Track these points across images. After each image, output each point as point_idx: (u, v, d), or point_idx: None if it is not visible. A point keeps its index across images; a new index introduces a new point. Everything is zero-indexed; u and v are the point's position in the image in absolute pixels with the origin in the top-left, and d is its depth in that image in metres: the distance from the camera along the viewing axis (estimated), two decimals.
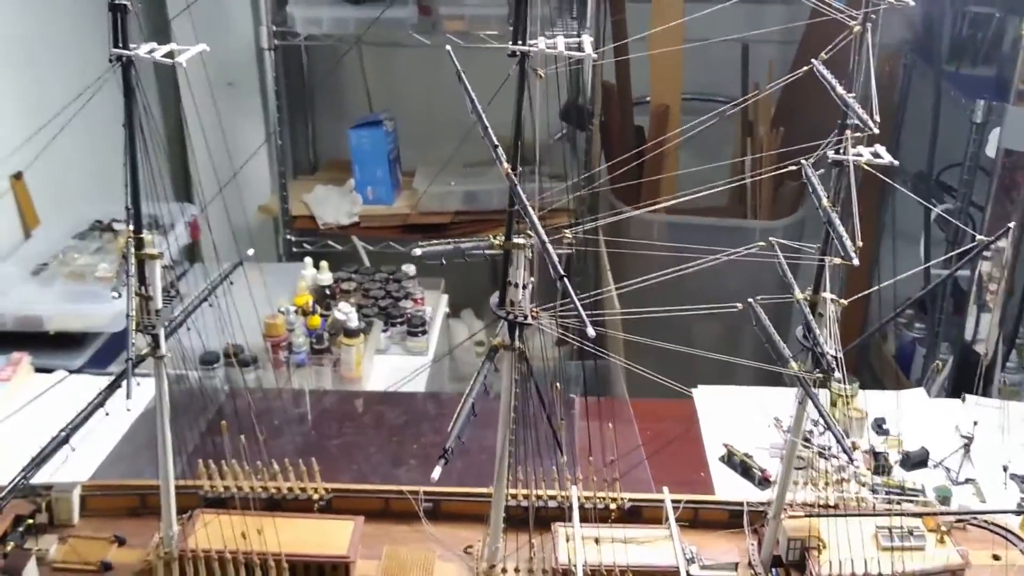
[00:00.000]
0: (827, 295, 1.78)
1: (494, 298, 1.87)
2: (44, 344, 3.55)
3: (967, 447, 2.99)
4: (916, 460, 2.96)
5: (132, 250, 1.75)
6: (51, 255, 3.75)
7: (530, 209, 1.62)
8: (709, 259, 2.13)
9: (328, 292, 3.95)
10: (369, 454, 3.05)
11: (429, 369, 3.76)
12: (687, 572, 2.04)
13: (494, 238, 1.80)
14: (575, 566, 1.99)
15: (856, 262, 1.57)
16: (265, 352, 3.55)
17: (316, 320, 3.64)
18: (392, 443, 3.12)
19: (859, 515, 2.05)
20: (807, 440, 2.81)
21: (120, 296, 1.81)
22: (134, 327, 1.77)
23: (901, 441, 3.05)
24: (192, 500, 2.23)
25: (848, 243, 1.57)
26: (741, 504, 2.27)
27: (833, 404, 3.03)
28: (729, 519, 2.27)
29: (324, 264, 3.99)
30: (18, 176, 4.21)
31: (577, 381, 3.19)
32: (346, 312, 3.62)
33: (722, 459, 3.01)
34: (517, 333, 1.84)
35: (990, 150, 3.62)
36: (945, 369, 4.14)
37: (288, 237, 5.13)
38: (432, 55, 5.18)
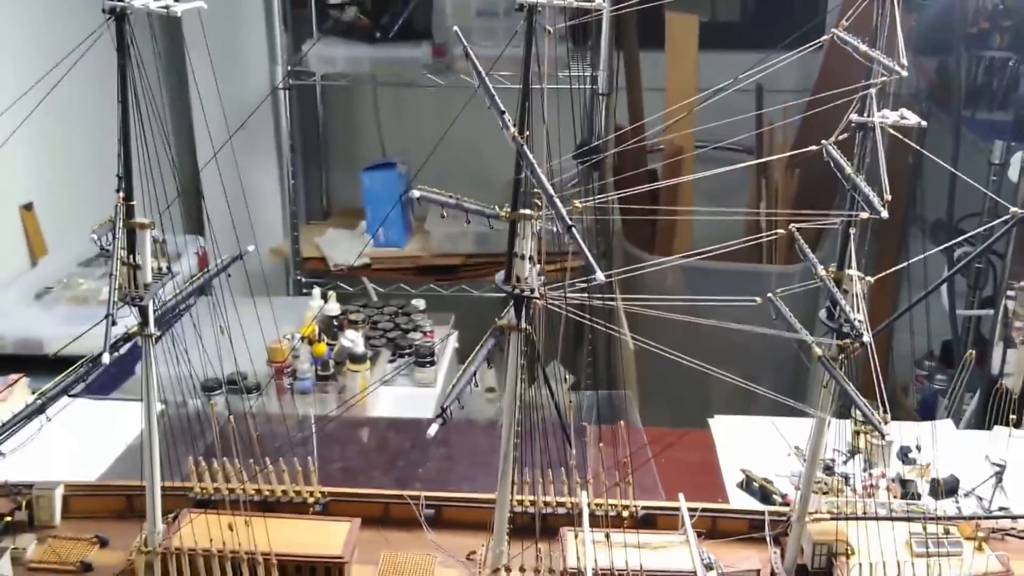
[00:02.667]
0: (853, 272, 1.68)
1: (500, 275, 1.78)
2: (44, 368, 3.45)
3: (999, 475, 2.84)
4: (946, 488, 2.81)
5: (121, 217, 1.67)
6: (56, 280, 3.69)
7: (537, 169, 1.55)
8: (730, 244, 2.03)
9: (336, 323, 3.86)
10: (372, 477, 2.93)
11: (439, 397, 3.65)
12: None
13: (500, 209, 1.72)
14: (584, 569, 1.85)
15: (885, 214, 1.48)
16: (269, 378, 3.46)
17: (322, 347, 3.55)
18: (397, 467, 3.00)
19: (890, 519, 1.92)
20: (829, 468, 2.68)
21: (102, 248, 1.72)
22: (119, 297, 1.68)
23: (928, 470, 2.91)
24: (181, 503, 2.11)
25: (875, 199, 1.48)
26: (762, 513, 2.13)
27: (857, 433, 2.90)
28: (749, 529, 2.13)
29: (332, 295, 3.91)
30: (28, 207, 4.19)
31: (589, 411, 3.08)
32: (352, 339, 3.53)
33: (740, 485, 2.86)
34: (523, 311, 1.74)
35: (1012, 174, 3.54)
36: (971, 402, 4.00)
37: (299, 278, 5.08)
38: (445, 100, 5.18)
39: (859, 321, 1.56)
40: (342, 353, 3.56)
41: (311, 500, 2.14)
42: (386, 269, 5.04)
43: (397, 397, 3.62)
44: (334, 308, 3.89)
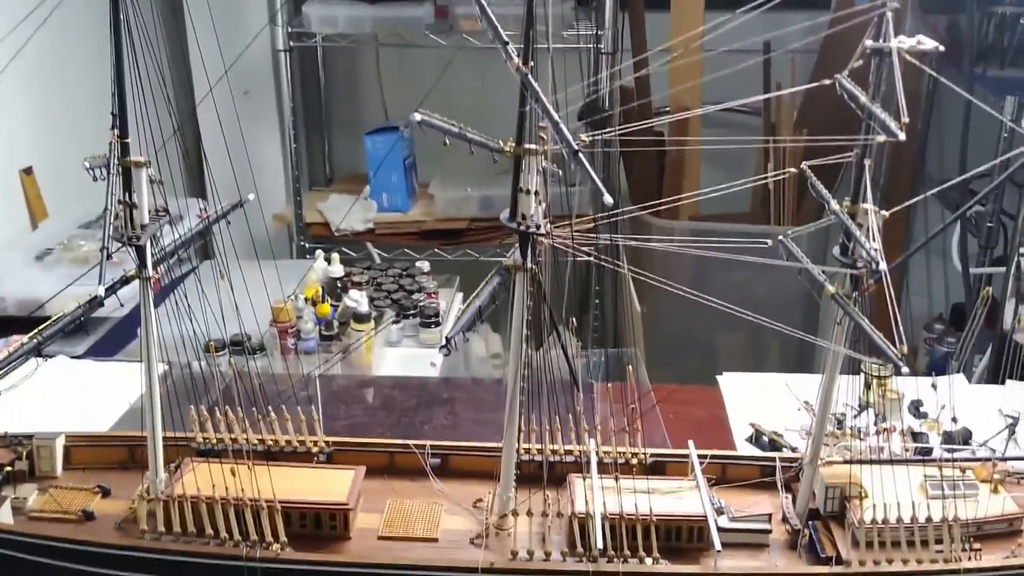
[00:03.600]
0: (868, 205, 1.64)
1: (505, 213, 1.74)
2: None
3: (1012, 427, 2.81)
4: (959, 440, 2.77)
5: (116, 155, 1.63)
6: (56, 242, 3.66)
7: (542, 96, 1.50)
8: (742, 182, 1.99)
9: (339, 285, 3.82)
10: (377, 435, 2.89)
11: (442, 363, 3.61)
12: (715, 522, 1.86)
13: (505, 144, 1.68)
14: (593, 513, 1.82)
15: (902, 136, 1.43)
16: (272, 339, 3.43)
17: (326, 308, 3.52)
18: (401, 424, 2.97)
19: (905, 461, 1.88)
20: (840, 423, 2.65)
21: (96, 179, 1.69)
22: (116, 237, 1.64)
23: (940, 423, 2.87)
24: (184, 453, 2.08)
25: (892, 123, 1.43)
26: (772, 460, 2.09)
27: (868, 386, 2.86)
28: (759, 477, 2.09)
29: (335, 256, 3.87)
30: (28, 171, 4.15)
31: (597, 368, 3.04)
32: (356, 299, 3.49)
33: (749, 440, 2.83)
34: (529, 249, 1.70)
35: None
36: (982, 360, 3.96)
37: (302, 244, 5.04)
38: (447, 62, 5.14)
39: (875, 250, 1.52)
40: (346, 313, 3.52)
41: (315, 450, 2.11)
42: (390, 234, 4.99)
43: (402, 357, 3.58)
44: (338, 270, 3.85)
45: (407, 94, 5.46)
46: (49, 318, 3.52)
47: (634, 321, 4.03)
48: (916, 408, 2.97)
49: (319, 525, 1.91)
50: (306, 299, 3.55)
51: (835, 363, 1.77)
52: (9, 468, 2.01)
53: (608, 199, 1.37)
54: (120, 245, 1.70)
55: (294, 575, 1.82)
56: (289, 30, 4.67)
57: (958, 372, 3.40)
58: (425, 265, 4.10)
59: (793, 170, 1.96)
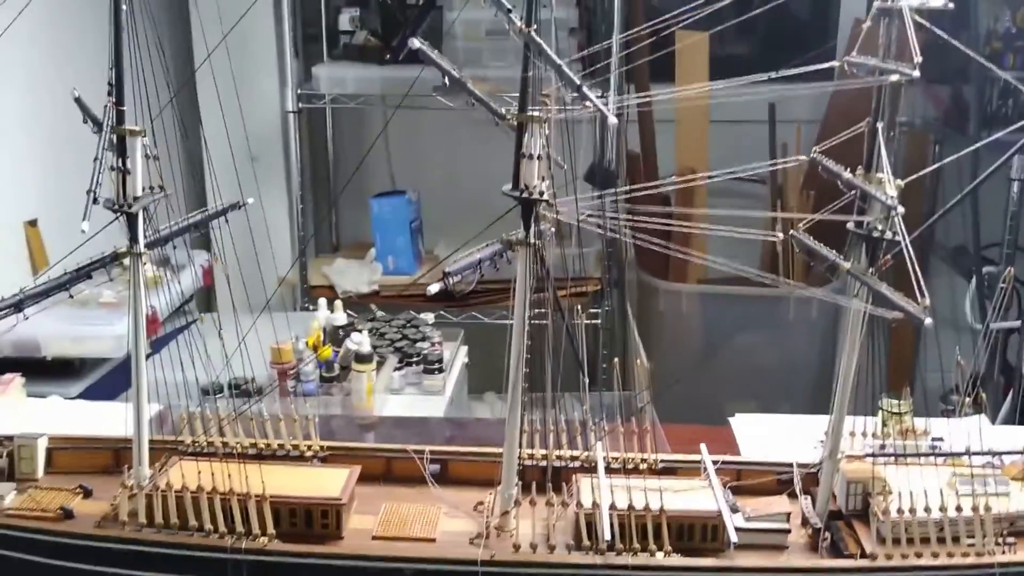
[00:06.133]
0: (885, 175, 1.58)
1: (507, 186, 1.69)
2: (42, 371, 3.38)
3: None
4: None
5: (111, 120, 1.59)
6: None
7: (546, 48, 1.47)
8: (753, 166, 1.94)
9: (342, 333, 3.76)
10: None
11: (447, 407, 3.52)
12: (730, 518, 1.75)
13: (508, 112, 1.64)
14: (600, 503, 1.71)
15: (916, 74, 1.39)
16: (271, 382, 3.34)
17: (327, 351, 3.44)
18: None
19: (932, 454, 1.78)
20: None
21: (84, 120, 1.65)
22: (107, 206, 1.60)
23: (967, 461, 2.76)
24: (171, 456, 1.99)
25: (905, 66, 1.39)
26: (789, 465, 1.99)
27: (885, 424, 2.77)
28: (775, 484, 1.98)
29: (338, 303, 3.82)
30: (33, 223, 4.14)
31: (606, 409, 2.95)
32: (358, 341, 3.42)
33: None
34: (533, 220, 1.64)
35: None
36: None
37: (306, 306, 4.99)
38: (454, 130, 5.18)
39: (891, 197, 1.46)
40: (347, 357, 3.44)
41: (308, 454, 2.01)
42: (394, 296, 4.94)
43: (404, 404, 3.48)
44: (340, 317, 3.79)
45: (415, 159, 5.49)
46: (44, 359, 3.47)
47: (642, 374, 3.94)
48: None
49: (310, 523, 1.80)
50: (307, 344, 3.49)
51: (856, 326, 1.68)
52: None
53: (612, 119, 1.32)
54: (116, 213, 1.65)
55: (281, 569, 1.71)
56: (299, 92, 4.72)
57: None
58: (429, 317, 4.03)
59: (804, 158, 1.92)
